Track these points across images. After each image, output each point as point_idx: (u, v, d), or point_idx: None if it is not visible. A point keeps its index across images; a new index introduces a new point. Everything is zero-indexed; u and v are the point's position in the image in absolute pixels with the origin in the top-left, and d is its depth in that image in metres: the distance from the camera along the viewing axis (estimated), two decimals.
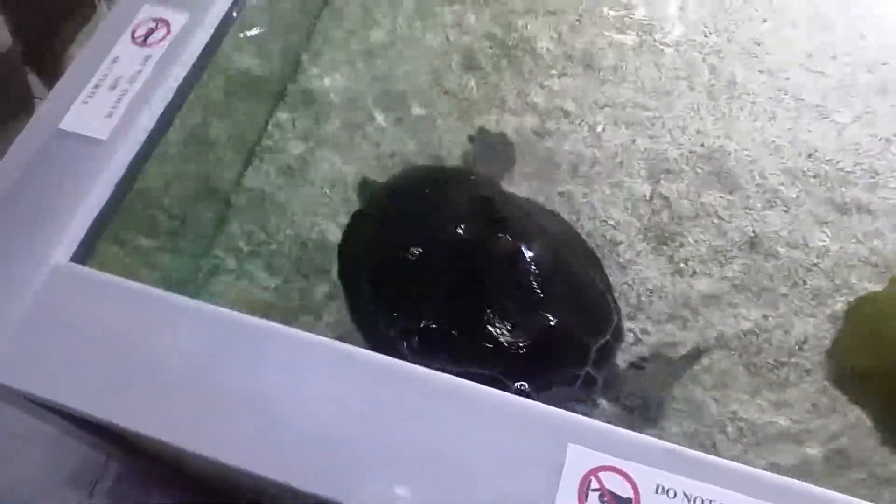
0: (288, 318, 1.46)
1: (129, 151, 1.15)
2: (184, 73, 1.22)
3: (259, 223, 1.57)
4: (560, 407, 0.92)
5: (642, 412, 1.32)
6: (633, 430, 1.23)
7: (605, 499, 0.85)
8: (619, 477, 0.86)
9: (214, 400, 0.94)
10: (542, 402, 0.99)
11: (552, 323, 1.21)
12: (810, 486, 0.87)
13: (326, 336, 1.40)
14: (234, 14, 1.37)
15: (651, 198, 1.57)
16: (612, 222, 1.56)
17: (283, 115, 1.71)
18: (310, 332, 1.39)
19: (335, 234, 1.54)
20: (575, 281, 1.30)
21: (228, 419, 0.93)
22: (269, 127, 1.69)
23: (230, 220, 1.58)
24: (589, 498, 0.85)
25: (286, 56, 1.75)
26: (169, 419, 0.93)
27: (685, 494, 0.85)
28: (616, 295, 1.41)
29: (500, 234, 1.27)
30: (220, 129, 1.51)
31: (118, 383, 0.95)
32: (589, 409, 1.24)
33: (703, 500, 0.85)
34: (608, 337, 1.26)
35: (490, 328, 1.20)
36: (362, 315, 1.34)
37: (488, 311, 1.21)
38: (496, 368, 1.17)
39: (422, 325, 1.24)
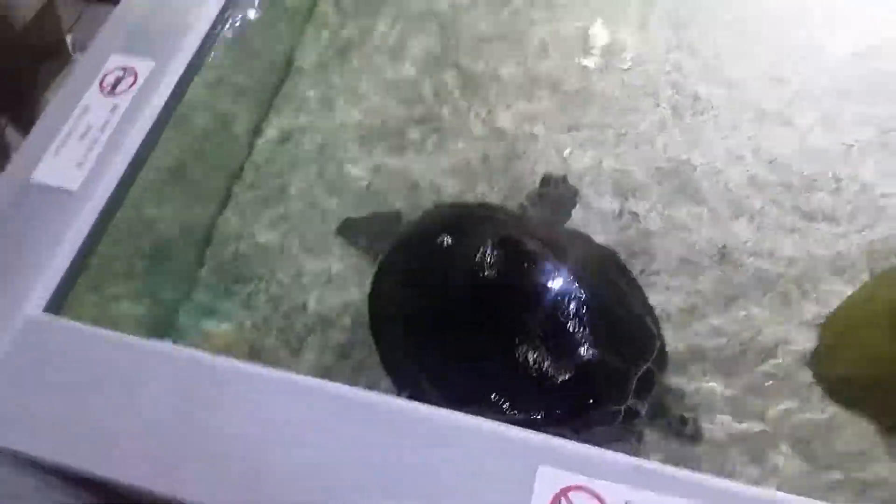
0: (269, 357, 1.48)
1: (101, 200, 1.18)
2: (152, 121, 1.25)
3: (237, 263, 1.59)
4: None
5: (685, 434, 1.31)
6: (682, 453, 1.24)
7: None
8: (588, 496, 0.88)
9: (196, 445, 0.95)
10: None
11: (586, 361, 1.19)
12: (781, 494, 0.89)
13: (309, 373, 1.45)
14: (202, 59, 1.40)
15: (620, 215, 1.60)
16: None
17: (258, 155, 1.74)
18: (290, 370, 1.43)
19: (312, 271, 1.57)
20: (610, 311, 1.28)
21: (212, 464, 0.94)
22: (244, 165, 1.72)
23: (207, 261, 1.60)
24: None
25: (259, 96, 1.79)
26: (152, 467, 0.94)
27: None
28: None
29: (528, 273, 1.27)
30: (193, 173, 1.54)
31: (98, 433, 0.96)
32: (634, 443, 1.23)
33: None
34: (649, 364, 1.24)
35: (524, 373, 1.19)
36: (397, 365, 1.32)
37: (521, 355, 1.20)
38: (533, 414, 1.17)
39: (457, 374, 1.23)
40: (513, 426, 0.95)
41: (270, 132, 1.78)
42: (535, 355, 1.19)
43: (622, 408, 1.19)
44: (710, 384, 1.39)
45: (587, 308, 1.23)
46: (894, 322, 1.40)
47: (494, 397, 1.18)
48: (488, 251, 1.30)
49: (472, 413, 1.00)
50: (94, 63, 1.33)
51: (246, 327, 1.53)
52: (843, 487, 1.28)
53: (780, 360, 1.40)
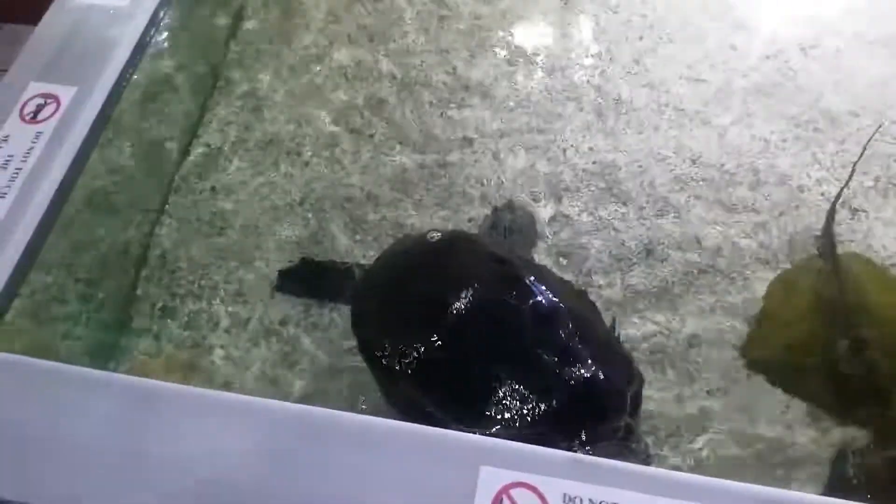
0: (213, 376, 1.47)
1: (28, 228, 1.16)
2: (77, 147, 1.23)
3: (174, 283, 1.58)
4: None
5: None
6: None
7: None
8: (528, 492, 0.91)
9: (138, 475, 0.95)
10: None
11: (591, 379, 1.21)
12: (711, 479, 0.94)
13: (255, 387, 1.45)
14: (126, 81, 1.39)
15: (554, 217, 1.65)
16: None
17: (189, 172, 1.73)
18: (236, 387, 1.43)
19: (252, 283, 1.57)
20: (599, 336, 1.32)
21: (155, 494, 0.93)
22: (176, 184, 1.71)
23: (144, 283, 1.58)
24: None
25: (187, 113, 1.78)
26: (94, 498, 0.93)
27: (590, 500, 0.90)
28: None
29: (523, 294, 1.28)
30: (123, 195, 1.52)
31: (37, 466, 0.95)
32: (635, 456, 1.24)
33: None
34: (636, 385, 1.29)
35: (534, 392, 1.19)
36: (397, 394, 1.30)
37: (529, 375, 1.21)
38: (543, 427, 1.17)
39: (464, 394, 1.23)
40: (453, 431, 0.98)
41: (201, 149, 1.77)
42: (543, 375, 1.21)
43: (622, 423, 1.22)
44: (644, 373, 1.44)
45: (582, 333, 1.26)
46: (814, 308, 1.49)
47: (504, 416, 1.19)
48: (477, 278, 1.31)
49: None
50: (12, 92, 1.30)
51: (187, 347, 1.51)
52: (771, 466, 1.35)
53: (707, 348, 1.47)
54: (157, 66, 1.55)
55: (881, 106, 1.79)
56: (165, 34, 1.60)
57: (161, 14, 1.53)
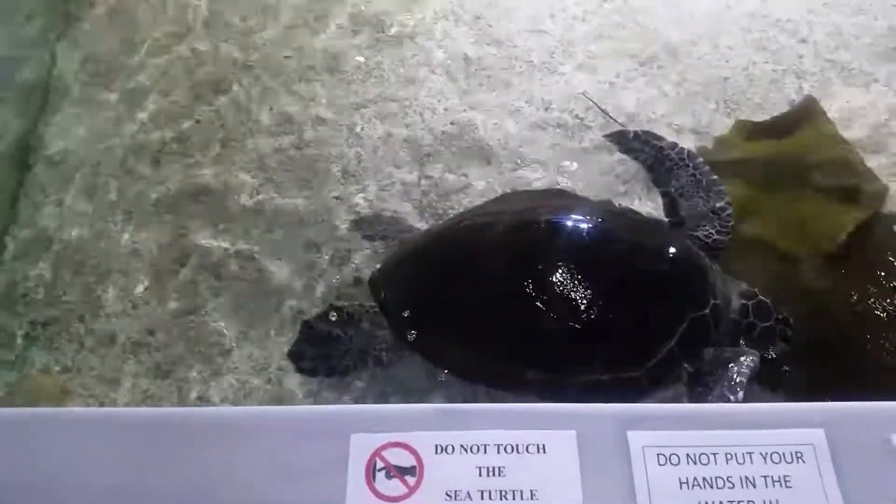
0: (85, 396, 1.40)
1: None
2: None
3: (28, 306, 1.49)
4: None
5: None
6: None
7: (392, 474, 0.90)
8: (400, 450, 0.91)
9: None
10: None
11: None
12: (573, 406, 0.97)
13: (130, 402, 1.39)
14: None
15: (419, 181, 1.65)
16: (390, 212, 1.62)
17: (29, 186, 1.64)
18: (109, 403, 1.37)
19: (112, 297, 1.50)
20: None
21: None
22: (17, 201, 1.61)
23: None
24: (376, 478, 0.89)
25: (20, 126, 1.67)
26: None
27: (462, 447, 0.92)
28: None
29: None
30: None
31: None
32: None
33: (478, 447, 0.92)
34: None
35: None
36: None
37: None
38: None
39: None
40: (323, 406, 0.97)
41: (40, 161, 1.67)
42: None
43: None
44: None
45: None
46: None
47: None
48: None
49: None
50: None
51: (53, 372, 1.44)
52: None
53: None
54: None
55: (716, 32, 1.88)
56: None
57: None
